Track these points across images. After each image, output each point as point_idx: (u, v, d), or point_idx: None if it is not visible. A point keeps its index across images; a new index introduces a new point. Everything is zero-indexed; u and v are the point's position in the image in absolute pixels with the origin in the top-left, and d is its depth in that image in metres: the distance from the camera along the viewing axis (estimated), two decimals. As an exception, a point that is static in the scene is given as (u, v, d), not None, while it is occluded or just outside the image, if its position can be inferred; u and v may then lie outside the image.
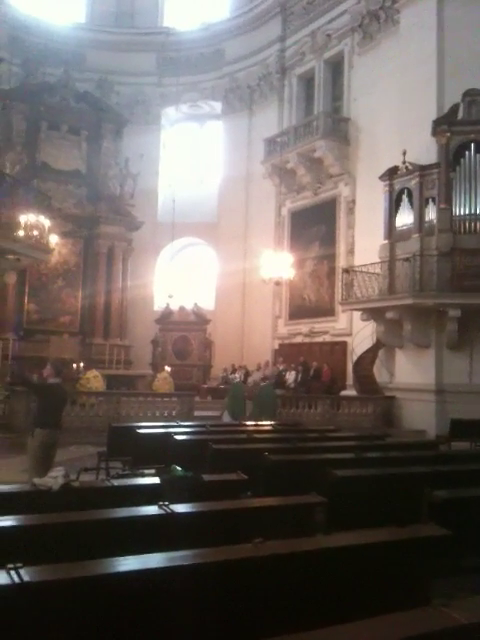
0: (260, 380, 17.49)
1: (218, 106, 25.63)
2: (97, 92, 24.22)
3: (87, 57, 24.78)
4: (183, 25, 26.07)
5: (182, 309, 23.21)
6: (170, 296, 21.74)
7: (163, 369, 19.22)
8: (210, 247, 25.51)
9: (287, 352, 21.21)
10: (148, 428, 8.84)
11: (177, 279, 25.24)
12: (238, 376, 19.12)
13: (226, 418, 13.10)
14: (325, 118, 20.01)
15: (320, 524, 5.21)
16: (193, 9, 26.65)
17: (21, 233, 12.52)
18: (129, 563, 2.99)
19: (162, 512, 4.05)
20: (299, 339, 21.17)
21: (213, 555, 3.33)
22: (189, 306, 23.28)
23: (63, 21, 24.96)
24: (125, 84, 25.03)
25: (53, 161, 22.43)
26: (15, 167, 19.18)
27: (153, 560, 3.13)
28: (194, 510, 4.26)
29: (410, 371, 16.23)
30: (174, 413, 14.00)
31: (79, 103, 23.27)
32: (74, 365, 17.78)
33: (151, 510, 4.11)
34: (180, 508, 4.17)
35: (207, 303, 24.44)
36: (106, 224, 22.75)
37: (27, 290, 21.79)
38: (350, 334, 18.88)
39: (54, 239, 14.44)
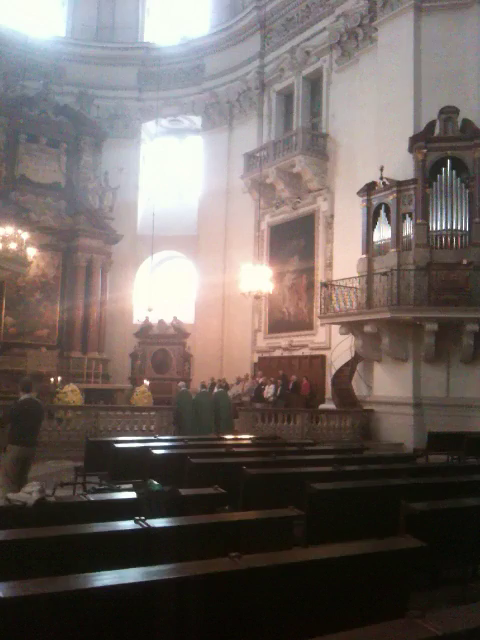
0: (242, 393, 17.54)
1: (198, 121, 25.76)
2: (77, 106, 24.24)
3: (67, 70, 24.79)
4: (163, 40, 26.22)
5: (161, 322, 23.15)
6: (149, 309, 21.69)
7: (142, 383, 19.12)
8: (190, 260, 25.53)
9: (266, 365, 21.23)
10: (126, 442, 8.78)
11: (156, 292, 25.19)
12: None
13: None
14: (304, 134, 20.19)
15: (298, 537, 5.21)
16: (173, 24, 26.82)
17: (-1, 246, 12.45)
18: (105, 578, 2.96)
19: (139, 527, 4.02)
20: (278, 353, 21.21)
21: (190, 569, 3.31)
22: (168, 319, 23.23)
23: (43, 34, 24.94)
24: (105, 98, 25.09)
25: (32, 174, 22.35)
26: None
27: (130, 575, 3.10)
28: (171, 525, 4.24)
29: (388, 384, 16.33)
30: (153, 427, 13.91)
31: (58, 116, 23.25)
32: (51, 379, 17.60)
33: (128, 525, 4.08)
34: (157, 523, 4.15)
35: (187, 316, 24.41)
36: (85, 237, 22.66)
37: (4, 303, 21.58)
38: (329, 348, 18.97)
39: (32, 252, 14.34)
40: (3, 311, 21.58)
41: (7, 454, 7.49)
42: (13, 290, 21.63)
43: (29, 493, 4.36)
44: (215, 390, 15.87)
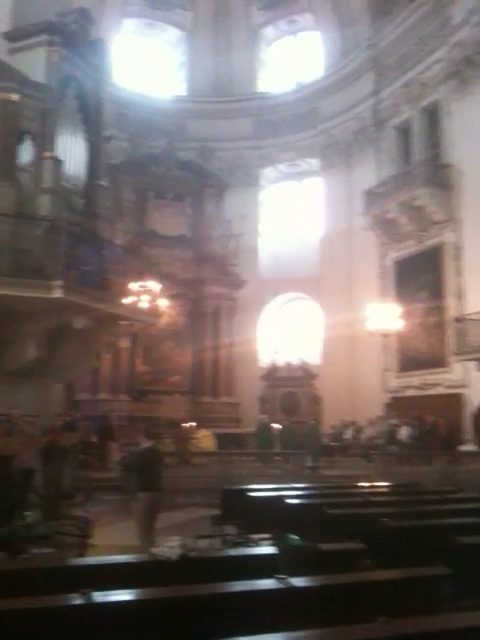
0: (375, 436, 17.12)
1: (316, 163, 26.00)
2: (198, 159, 25.26)
3: (188, 127, 26.01)
4: (278, 88, 26.95)
5: (288, 365, 23.14)
6: (276, 352, 21.76)
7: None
8: (313, 301, 25.49)
9: (399, 406, 20.50)
10: (259, 491, 8.73)
11: (281, 334, 25.34)
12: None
13: None
14: (424, 166, 19.78)
15: (446, 597, 4.89)
16: (287, 72, 27.53)
17: (133, 299, 13.05)
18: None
19: (281, 586, 3.93)
20: (411, 392, 20.46)
21: (338, 635, 3.18)
22: (295, 361, 23.18)
23: (165, 95, 26.51)
24: (224, 149, 25.96)
25: (160, 228, 23.47)
26: (126, 236, 20.20)
27: (274, 641, 3.02)
28: (314, 584, 4.11)
29: None
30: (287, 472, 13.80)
31: (182, 171, 24.35)
32: (185, 425, 18.03)
33: (268, 584, 4.00)
34: (299, 582, 4.04)
35: (313, 357, 24.25)
36: (211, 285, 23.37)
37: (139, 352, 22.54)
38: (465, 385, 18.04)
39: (164, 303, 14.96)
40: (138, 360, 22.54)
41: (139, 502, 7.70)
42: (146, 339, 22.55)
43: (172, 548, 4.42)
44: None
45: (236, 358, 23.70)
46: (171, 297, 21.28)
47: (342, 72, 24.48)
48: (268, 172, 27.03)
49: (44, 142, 12.54)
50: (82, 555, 7.30)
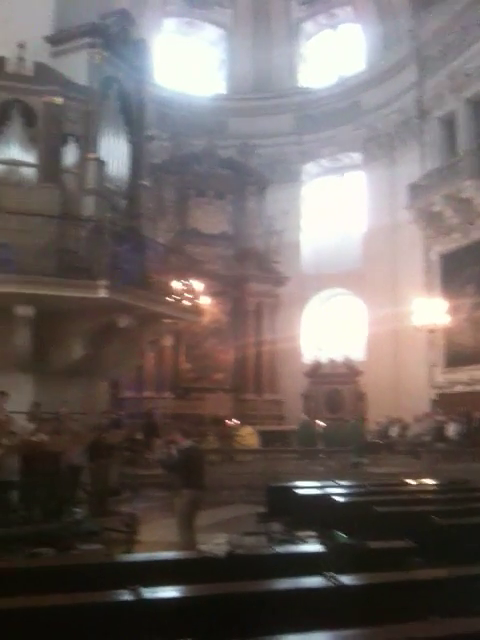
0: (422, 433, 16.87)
1: (358, 157, 25.72)
2: (239, 157, 25.22)
3: (229, 124, 26.04)
4: (318, 82, 26.75)
5: (332, 361, 22.98)
6: (319, 349, 21.63)
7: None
8: (356, 296, 25.24)
9: (447, 402, 20.12)
10: (305, 488, 8.68)
11: (324, 330, 25.16)
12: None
13: None
14: (471, 157, 19.36)
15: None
16: (328, 65, 27.30)
17: (176, 298, 13.14)
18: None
19: (329, 584, 3.89)
20: (459, 388, 20.05)
21: (388, 634, 3.13)
22: (338, 358, 23.00)
23: (205, 93, 26.59)
24: (265, 146, 25.83)
25: (202, 226, 23.55)
26: (168, 235, 20.35)
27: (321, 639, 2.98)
28: (363, 582, 4.05)
29: None
30: (331, 469, 13.70)
31: (223, 169, 24.37)
32: (229, 422, 18.08)
33: (317, 581, 3.96)
34: (347, 580, 3.98)
35: (357, 354, 24.02)
36: (253, 282, 23.34)
37: (182, 350, 22.68)
38: (515, 381, 17.61)
39: (206, 301, 15.03)
40: (181, 357, 22.70)
41: (182, 499, 7.79)
42: (190, 337, 22.68)
43: (219, 545, 4.42)
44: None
45: (279, 355, 23.62)
46: (213, 295, 21.41)
47: (384, 64, 24.15)
48: (309, 167, 26.85)
49: (87, 144, 12.68)
50: (129, 551, 7.38)
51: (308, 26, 27.38)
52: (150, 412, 18.27)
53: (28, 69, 12.46)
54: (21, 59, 12.35)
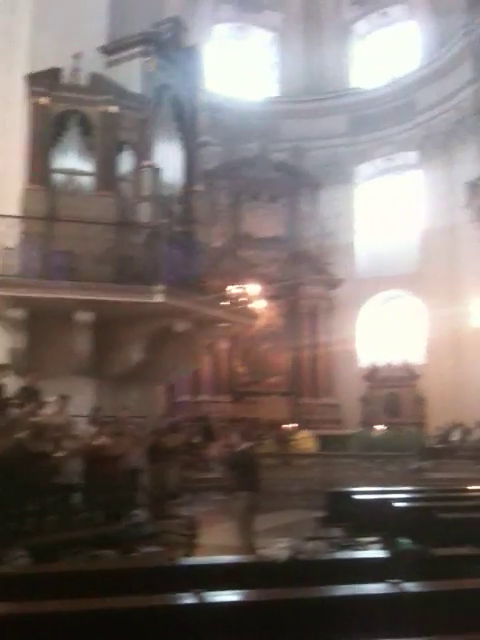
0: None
1: (413, 156, 25.26)
2: (292, 160, 25.13)
3: (281, 128, 25.96)
4: (371, 82, 26.41)
5: (389, 365, 22.62)
6: (377, 352, 21.33)
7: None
8: (414, 298, 24.75)
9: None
10: (364, 494, 8.55)
11: (382, 333, 24.77)
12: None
13: None
14: None
15: None
16: (380, 65, 26.95)
17: (231, 302, 13.17)
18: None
19: (393, 590, 3.79)
20: (524, 391, 19.41)
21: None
22: (397, 361, 22.62)
23: (257, 97, 26.60)
24: (318, 148, 25.64)
25: (255, 230, 23.56)
26: (222, 239, 20.45)
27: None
28: (428, 589, 3.94)
29: None
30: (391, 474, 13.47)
31: (276, 173, 24.34)
32: (286, 426, 17.99)
33: (380, 588, 3.88)
34: (412, 587, 3.88)
35: (416, 357, 23.54)
36: (307, 285, 23.23)
37: (237, 354, 22.72)
38: None
39: (261, 304, 14.99)
40: (238, 361, 22.74)
41: (239, 501, 7.82)
42: (245, 341, 22.69)
43: (280, 549, 4.39)
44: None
45: (335, 358, 23.38)
46: (268, 298, 21.36)
47: (438, 62, 23.66)
48: (363, 168, 26.52)
49: (142, 151, 12.87)
50: (189, 554, 7.42)
51: (360, 26, 27.10)
52: (206, 416, 18.35)
53: (84, 79, 12.75)
54: (77, 70, 12.64)
